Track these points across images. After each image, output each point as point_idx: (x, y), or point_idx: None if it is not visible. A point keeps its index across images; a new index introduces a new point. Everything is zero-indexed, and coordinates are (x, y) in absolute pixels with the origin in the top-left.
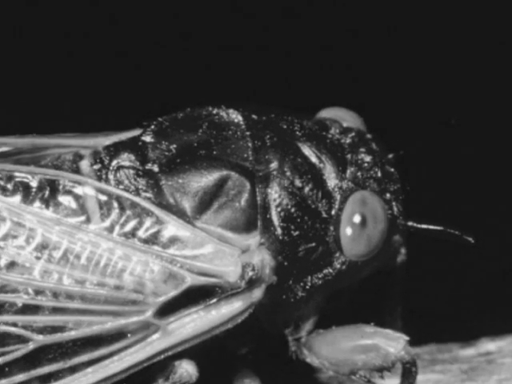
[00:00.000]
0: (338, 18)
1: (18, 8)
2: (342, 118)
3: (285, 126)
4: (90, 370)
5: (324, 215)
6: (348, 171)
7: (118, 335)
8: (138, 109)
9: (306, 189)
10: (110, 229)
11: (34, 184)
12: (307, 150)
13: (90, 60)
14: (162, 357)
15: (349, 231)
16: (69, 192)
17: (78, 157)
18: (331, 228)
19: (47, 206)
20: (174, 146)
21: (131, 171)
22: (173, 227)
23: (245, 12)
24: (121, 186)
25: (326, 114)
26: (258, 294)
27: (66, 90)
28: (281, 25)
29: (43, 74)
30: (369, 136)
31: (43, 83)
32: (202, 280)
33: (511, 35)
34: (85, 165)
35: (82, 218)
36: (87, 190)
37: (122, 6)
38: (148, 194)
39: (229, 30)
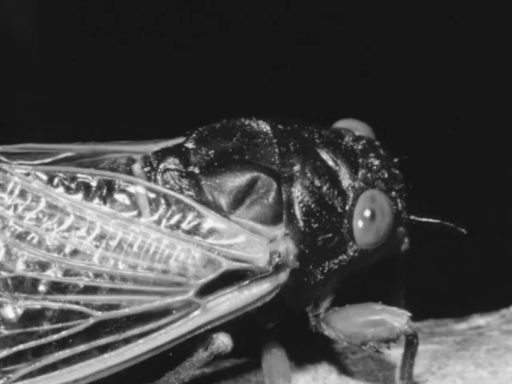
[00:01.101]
0: (351, 39)
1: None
2: (355, 127)
3: (306, 135)
4: (141, 341)
5: (339, 210)
6: (360, 173)
7: (164, 312)
8: (182, 120)
9: (324, 188)
10: (158, 222)
11: (93, 184)
12: (325, 155)
13: (146, 80)
14: (202, 330)
15: (360, 224)
16: (123, 190)
17: (131, 161)
18: (345, 221)
19: (105, 203)
20: (212, 151)
21: (176, 173)
22: (211, 220)
23: (268, 32)
24: (167, 186)
25: (340, 124)
26: (283, 277)
27: (121, 106)
28: (303, 47)
29: (107, 92)
30: (377, 143)
31: (104, 100)
32: (236, 265)
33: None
34: (136, 168)
35: (134, 212)
36: (139, 189)
37: (159, 23)
38: (190, 192)
39: (258, 51)
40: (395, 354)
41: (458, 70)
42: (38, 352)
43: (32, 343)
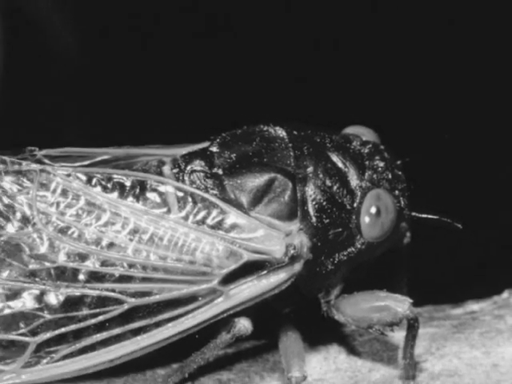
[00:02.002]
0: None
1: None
2: (362, 133)
3: (318, 139)
4: (170, 324)
5: (348, 207)
6: (366, 174)
7: (191, 298)
8: (206, 126)
9: (335, 187)
10: (186, 217)
11: (127, 183)
12: (335, 158)
13: (175, 91)
14: (225, 315)
15: (367, 219)
16: (154, 190)
17: (161, 163)
18: (353, 217)
19: (138, 200)
20: (234, 154)
21: (201, 174)
22: (233, 216)
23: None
24: (194, 185)
25: (349, 130)
26: (297, 267)
27: (152, 113)
28: (316, 58)
29: (140, 100)
30: (382, 147)
31: (136, 108)
32: (256, 256)
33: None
34: (166, 169)
35: (164, 209)
36: (168, 188)
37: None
38: (214, 191)
39: (276, 64)
40: (398, 336)
41: (458, 80)
42: (78, 334)
43: (72, 327)
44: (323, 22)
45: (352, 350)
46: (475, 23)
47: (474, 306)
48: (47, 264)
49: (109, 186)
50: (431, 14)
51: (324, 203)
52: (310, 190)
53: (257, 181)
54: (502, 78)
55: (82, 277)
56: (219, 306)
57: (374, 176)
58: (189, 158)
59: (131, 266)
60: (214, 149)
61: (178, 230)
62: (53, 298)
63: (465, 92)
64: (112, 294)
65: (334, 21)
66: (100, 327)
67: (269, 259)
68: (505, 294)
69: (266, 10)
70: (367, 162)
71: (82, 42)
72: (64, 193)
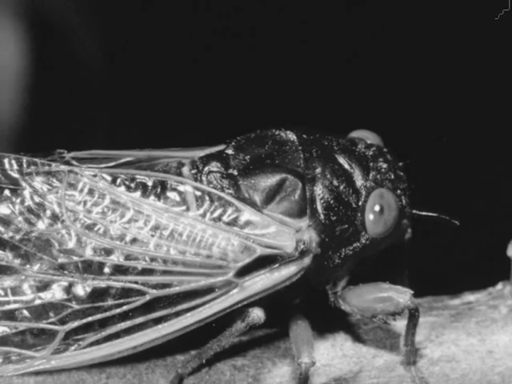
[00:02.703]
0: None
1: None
2: (366, 137)
3: (326, 143)
4: (188, 314)
5: (353, 205)
6: (370, 174)
7: (208, 290)
8: (223, 130)
9: (341, 187)
10: (203, 215)
11: (149, 183)
12: (342, 160)
13: (192, 98)
14: (240, 305)
15: (371, 217)
16: (174, 189)
17: (181, 164)
18: (358, 214)
19: (159, 199)
20: (248, 156)
21: (218, 174)
22: (247, 214)
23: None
24: (211, 185)
25: (354, 134)
26: (307, 261)
27: (172, 119)
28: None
29: (160, 106)
30: (385, 150)
31: (157, 114)
32: (268, 251)
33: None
34: (185, 170)
35: (183, 207)
36: (187, 188)
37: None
38: (230, 191)
39: (289, 73)
40: (400, 325)
41: (455, 86)
42: (104, 323)
43: (98, 316)
44: (331, 32)
45: (357, 338)
46: (475, 32)
47: (470, 297)
48: (75, 258)
49: (132, 185)
50: (432, 20)
51: (331, 201)
52: (319, 190)
53: (269, 181)
54: (498, 84)
55: (107, 270)
56: (234, 296)
57: (378, 176)
58: (206, 159)
59: (153, 259)
60: (230, 151)
61: (196, 226)
62: (80, 290)
63: (461, 98)
64: (135, 286)
65: (342, 32)
66: (124, 316)
67: (280, 253)
68: (499, 286)
69: (276, 19)
70: (371, 164)
71: (106, 49)
72: (90, 192)
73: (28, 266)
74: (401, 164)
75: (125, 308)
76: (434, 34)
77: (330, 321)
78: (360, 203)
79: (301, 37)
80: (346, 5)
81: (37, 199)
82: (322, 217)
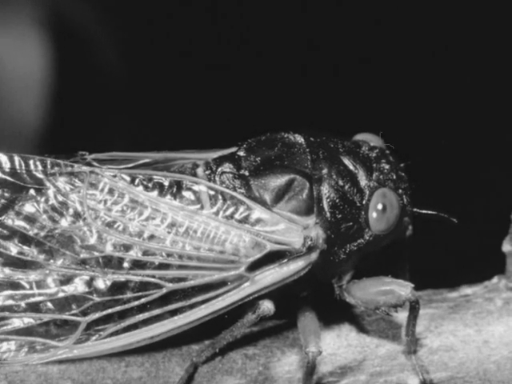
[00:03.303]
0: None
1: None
2: (370, 139)
3: (331, 145)
4: (203, 306)
5: (358, 204)
6: (374, 175)
7: (221, 283)
8: (236, 133)
9: (346, 187)
10: (217, 213)
11: (166, 183)
12: (346, 161)
13: (206, 103)
14: (251, 298)
15: (374, 215)
16: (189, 189)
17: (195, 165)
18: (362, 212)
19: (175, 198)
20: (259, 158)
21: (230, 175)
22: (258, 212)
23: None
24: (223, 185)
25: (359, 137)
26: (314, 256)
27: (187, 122)
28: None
29: (175, 111)
30: (387, 152)
31: (172, 118)
32: (277, 247)
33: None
34: (199, 171)
35: (198, 206)
36: (201, 188)
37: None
38: (241, 190)
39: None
40: (401, 316)
41: (453, 93)
42: (123, 315)
43: (118, 308)
44: (337, 38)
45: (361, 329)
46: (473, 36)
47: (467, 290)
48: (96, 253)
49: (150, 185)
50: (433, 25)
51: (337, 200)
52: (325, 189)
53: (278, 181)
54: (496, 89)
55: (126, 264)
56: (246, 290)
57: (381, 177)
58: (219, 161)
59: (169, 255)
60: (241, 153)
61: (210, 223)
62: (101, 283)
63: (458, 104)
64: (152, 280)
65: (348, 38)
66: (142, 308)
67: (289, 249)
68: (494, 280)
69: (284, 24)
70: (374, 165)
71: (124, 57)
72: (110, 191)
73: (52, 260)
74: (402, 165)
75: (143, 300)
76: (434, 40)
77: (336, 312)
78: (364, 202)
79: (309, 46)
80: (352, 11)
81: (60, 198)
82: (328, 215)
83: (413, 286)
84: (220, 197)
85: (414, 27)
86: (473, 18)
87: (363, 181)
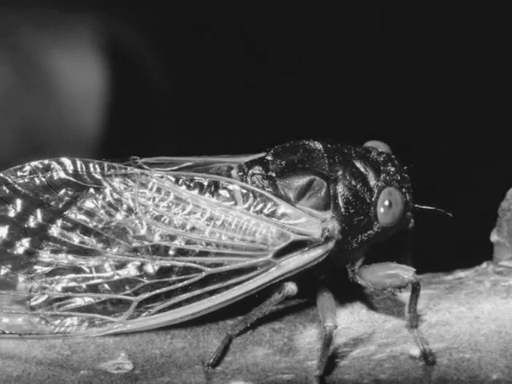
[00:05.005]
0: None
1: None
2: (378, 146)
3: (345, 151)
4: (236, 287)
5: (367, 201)
6: (381, 176)
7: (252, 268)
8: (264, 140)
9: (358, 186)
10: (248, 208)
11: (205, 183)
12: (358, 164)
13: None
14: (277, 280)
15: (382, 210)
16: (225, 188)
17: (230, 168)
18: (372, 208)
19: (213, 196)
20: (284, 162)
21: (260, 176)
22: (283, 207)
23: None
24: (254, 185)
25: (369, 144)
26: (330, 245)
27: (226, 132)
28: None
29: (213, 120)
30: (393, 156)
31: (211, 127)
32: (300, 237)
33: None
34: (234, 173)
35: (232, 202)
36: (235, 187)
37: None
38: (269, 189)
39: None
40: (405, 296)
41: (450, 100)
42: (168, 295)
43: (164, 289)
44: (345, 47)
45: (371, 306)
46: (478, 46)
47: (461, 274)
48: (146, 243)
49: (191, 185)
50: (435, 30)
51: (350, 198)
52: (340, 188)
53: (300, 181)
54: (494, 94)
55: (171, 252)
56: (272, 273)
57: (387, 178)
58: (250, 164)
59: (208, 244)
60: (269, 157)
61: (243, 217)
62: (150, 268)
63: (455, 111)
64: (193, 265)
65: (357, 47)
66: (184, 289)
67: (309, 239)
68: (484, 265)
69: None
70: (382, 168)
71: (168, 75)
72: (158, 190)
73: (108, 249)
74: (405, 168)
75: (185, 282)
76: (439, 45)
77: (349, 293)
78: (373, 199)
79: (329, 62)
80: (361, 21)
81: (115, 196)
82: (342, 210)
83: (414, 270)
84: (251, 195)
85: (418, 30)
86: (480, 27)
87: (372, 181)
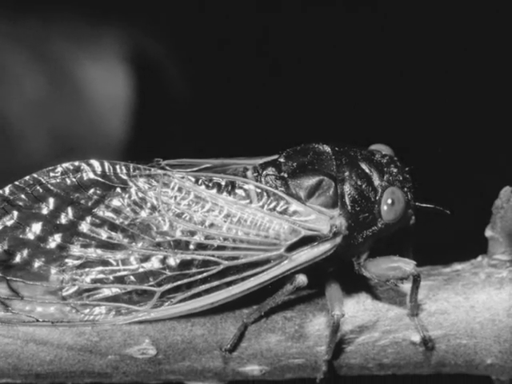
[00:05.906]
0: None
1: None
2: (382, 149)
3: (352, 153)
4: (252, 279)
5: (372, 199)
6: (385, 176)
7: (266, 261)
8: (277, 144)
9: (363, 186)
10: (262, 206)
11: (223, 183)
12: (363, 166)
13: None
14: (289, 272)
15: (385, 208)
16: (241, 187)
17: (245, 169)
18: (376, 206)
19: (230, 194)
20: (295, 163)
21: (273, 177)
22: (294, 205)
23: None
24: (268, 185)
25: (373, 147)
26: (338, 240)
27: (241, 136)
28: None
29: (229, 125)
30: (395, 158)
31: (227, 131)
32: (310, 233)
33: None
34: (249, 173)
35: (248, 201)
36: (250, 187)
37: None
38: (281, 189)
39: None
40: (406, 287)
41: (449, 103)
42: (189, 286)
43: (185, 280)
44: (348, 53)
45: (375, 296)
46: (478, 51)
47: (458, 266)
48: (168, 238)
49: (210, 184)
50: (435, 31)
51: (356, 197)
52: (347, 188)
53: (310, 181)
54: (492, 98)
55: (191, 246)
56: (285, 266)
57: (390, 178)
58: (264, 165)
59: (225, 239)
60: (282, 159)
61: (257, 214)
62: (172, 261)
63: (455, 111)
64: (212, 258)
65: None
66: (204, 281)
67: (318, 235)
68: (479, 258)
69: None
70: (385, 169)
71: (189, 83)
72: (179, 190)
73: (134, 243)
74: (407, 169)
75: (205, 274)
76: (440, 49)
77: (355, 284)
78: (377, 198)
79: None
80: (361, 21)
81: (140, 195)
82: (349, 208)
83: (415, 263)
84: (265, 194)
85: (419, 33)
86: (481, 27)
87: (376, 181)
